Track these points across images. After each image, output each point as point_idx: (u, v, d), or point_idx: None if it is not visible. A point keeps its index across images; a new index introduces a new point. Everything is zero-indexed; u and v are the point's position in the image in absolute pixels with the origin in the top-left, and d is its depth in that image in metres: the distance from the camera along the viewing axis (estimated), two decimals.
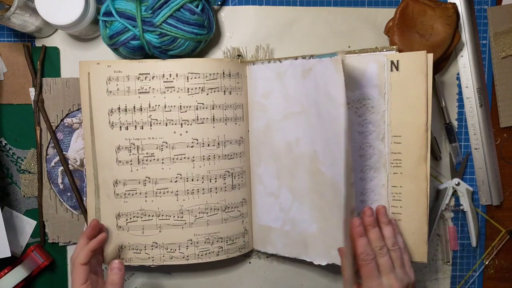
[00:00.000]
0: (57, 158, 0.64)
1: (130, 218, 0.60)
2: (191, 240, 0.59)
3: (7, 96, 0.64)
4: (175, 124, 0.58)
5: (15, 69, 0.64)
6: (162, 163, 0.59)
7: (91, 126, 0.60)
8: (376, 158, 0.57)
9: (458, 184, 0.66)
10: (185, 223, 0.59)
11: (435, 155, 0.66)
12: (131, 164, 0.59)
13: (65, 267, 0.67)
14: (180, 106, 0.58)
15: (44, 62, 0.64)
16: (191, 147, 0.58)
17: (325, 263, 0.58)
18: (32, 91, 0.64)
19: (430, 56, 0.54)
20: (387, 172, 0.57)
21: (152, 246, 0.60)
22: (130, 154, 0.59)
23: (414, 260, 0.57)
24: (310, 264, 0.60)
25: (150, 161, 0.59)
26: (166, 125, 0.58)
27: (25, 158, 0.65)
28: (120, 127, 0.59)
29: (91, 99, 0.59)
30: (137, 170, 0.59)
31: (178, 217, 0.59)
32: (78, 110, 0.64)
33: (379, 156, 0.57)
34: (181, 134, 0.58)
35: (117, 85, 0.58)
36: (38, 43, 0.64)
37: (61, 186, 0.65)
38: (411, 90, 0.55)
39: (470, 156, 0.67)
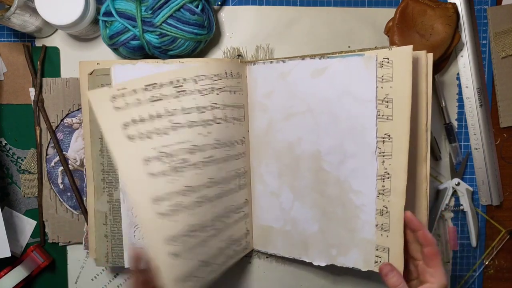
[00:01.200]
0: (57, 158, 0.64)
1: (181, 241, 0.51)
2: (222, 247, 0.57)
3: (7, 96, 0.64)
4: (198, 125, 0.54)
5: (15, 69, 0.64)
6: (197, 168, 0.53)
7: (100, 140, 0.60)
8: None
9: (458, 184, 0.66)
10: (217, 232, 0.56)
11: (435, 155, 0.66)
12: (166, 175, 0.51)
13: (65, 267, 0.67)
14: (198, 107, 0.55)
15: (44, 62, 0.64)
16: (215, 148, 0.56)
17: (324, 264, 0.58)
18: (32, 91, 0.64)
19: (430, 56, 0.53)
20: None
21: (200, 265, 0.54)
22: (163, 164, 0.51)
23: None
24: (310, 264, 0.60)
25: (185, 167, 0.52)
26: (190, 127, 0.54)
27: (25, 158, 0.65)
28: (141, 138, 0.51)
29: (94, 115, 0.54)
30: (175, 180, 0.51)
31: (212, 227, 0.55)
32: (78, 110, 0.64)
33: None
34: (205, 135, 0.55)
35: (124, 100, 0.52)
36: (38, 43, 0.64)
37: (61, 186, 0.65)
38: (407, 89, 0.52)
39: (470, 156, 0.67)
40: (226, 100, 0.58)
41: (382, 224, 0.53)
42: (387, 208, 0.52)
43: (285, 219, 0.61)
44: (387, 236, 0.53)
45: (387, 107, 0.51)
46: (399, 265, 0.51)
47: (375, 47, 0.56)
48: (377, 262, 0.54)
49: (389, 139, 0.52)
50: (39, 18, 0.57)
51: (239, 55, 0.64)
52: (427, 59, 0.53)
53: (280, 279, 0.68)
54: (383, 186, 0.53)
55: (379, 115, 0.52)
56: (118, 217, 0.61)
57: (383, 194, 0.53)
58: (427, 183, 0.55)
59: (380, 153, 0.53)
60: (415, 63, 0.52)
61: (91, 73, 0.59)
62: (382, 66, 0.51)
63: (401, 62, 0.50)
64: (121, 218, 0.61)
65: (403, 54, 0.50)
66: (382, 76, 0.51)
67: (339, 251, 0.57)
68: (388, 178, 0.52)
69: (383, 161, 0.52)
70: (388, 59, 0.51)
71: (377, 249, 0.54)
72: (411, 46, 0.49)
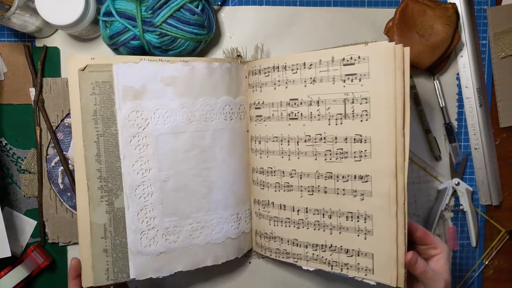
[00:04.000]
0: (57, 158, 0.64)
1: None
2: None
3: (7, 96, 0.64)
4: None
5: (15, 69, 0.64)
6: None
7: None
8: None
9: (458, 184, 0.66)
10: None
11: (435, 155, 0.66)
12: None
13: (65, 267, 0.67)
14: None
15: (44, 62, 0.64)
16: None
17: (312, 269, 0.57)
18: (32, 91, 0.64)
19: (407, 50, 0.48)
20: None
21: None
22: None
23: (381, 281, 0.51)
24: None
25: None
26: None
27: (25, 158, 0.65)
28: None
29: (88, 115, 0.54)
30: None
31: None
32: None
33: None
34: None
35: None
36: (38, 43, 0.64)
37: (61, 186, 0.65)
38: (382, 87, 0.49)
39: (470, 156, 0.67)
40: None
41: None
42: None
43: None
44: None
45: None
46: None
47: (366, 42, 0.54)
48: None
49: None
50: (39, 18, 0.57)
51: (238, 56, 0.64)
52: (404, 53, 0.48)
53: (281, 279, 0.68)
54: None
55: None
56: (120, 227, 0.55)
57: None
58: (405, 197, 0.49)
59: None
60: (388, 58, 0.48)
61: (83, 69, 0.53)
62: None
63: (377, 59, 0.48)
64: (125, 227, 0.55)
65: (380, 50, 0.48)
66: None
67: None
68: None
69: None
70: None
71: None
72: (387, 42, 0.48)
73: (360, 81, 0.50)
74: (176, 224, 0.57)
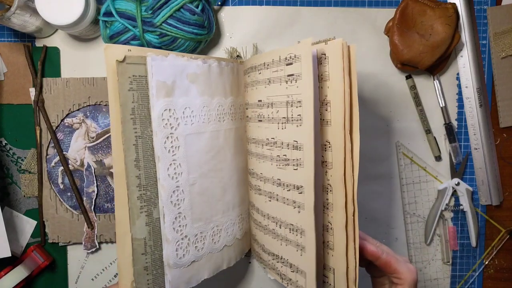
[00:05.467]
0: (57, 158, 0.64)
1: None
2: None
3: (7, 96, 0.64)
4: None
5: (15, 69, 0.64)
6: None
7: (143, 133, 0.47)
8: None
9: (458, 184, 0.66)
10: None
11: (435, 155, 0.66)
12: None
13: (65, 267, 0.67)
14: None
15: (44, 62, 0.64)
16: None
17: (273, 278, 0.55)
18: (32, 91, 0.64)
19: (353, 47, 0.43)
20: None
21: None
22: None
23: None
24: None
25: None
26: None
27: (25, 158, 0.65)
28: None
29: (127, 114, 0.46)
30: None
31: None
32: (78, 110, 0.64)
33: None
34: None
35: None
36: (38, 43, 0.64)
37: (61, 186, 0.65)
38: (340, 88, 0.43)
39: (470, 156, 0.67)
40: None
41: (328, 242, 0.47)
42: (331, 224, 0.46)
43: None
44: (332, 255, 0.47)
45: (326, 110, 0.45)
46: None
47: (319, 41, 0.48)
48: (325, 282, 0.48)
49: (329, 147, 0.45)
50: (39, 18, 0.57)
51: (238, 56, 0.64)
52: (350, 51, 0.43)
53: None
54: (327, 199, 0.46)
55: (321, 119, 0.46)
56: (158, 239, 0.49)
57: (327, 208, 0.46)
58: (355, 206, 0.44)
59: (323, 162, 0.46)
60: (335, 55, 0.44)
61: (122, 61, 0.45)
62: (320, 63, 0.45)
63: (334, 58, 0.43)
64: (162, 239, 0.49)
65: (335, 48, 0.43)
66: (321, 75, 0.45)
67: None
68: (330, 191, 0.46)
69: (326, 171, 0.46)
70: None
71: (324, 268, 0.49)
72: (341, 40, 0.42)
73: (296, 82, 0.45)
74: (202, 230, 0.53)
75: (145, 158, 0.47)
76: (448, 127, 0.65)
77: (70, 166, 0.65)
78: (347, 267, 0.44)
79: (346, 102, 0.43)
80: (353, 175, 0.43)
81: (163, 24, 0.56)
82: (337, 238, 0.45)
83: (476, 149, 0.66)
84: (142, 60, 0.46)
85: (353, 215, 0.43)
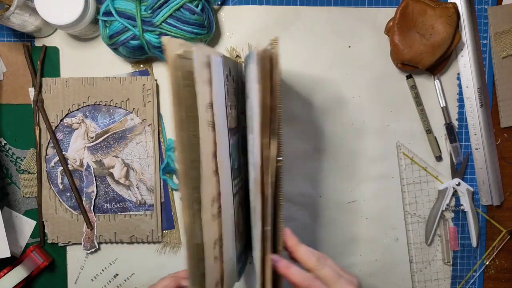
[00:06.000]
0: (57, 158, 0.64)
1: None
2: None
3: (7, 96, 0.64)
4: None
5: (14, 69, 0.64)
6: None
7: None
8: None
9: (458, 184, 0.66)
10: None
11: (436, 155, 0.66)
12: None
13: (65, 268, 0.67)
14: None
15: (44, 62, 0.64)
16: None
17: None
18: (31, 91, 0.63)
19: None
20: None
21: None
22: None
23: None
24: None
25: None
26: None
27: (24, 158, 0.65)
28: None
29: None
30: None
31: None
32: (78, 110, 0.64)
33: None
34: None
35: None
36: (38, 43, 0.64)
37: (61, 186, 0.65)
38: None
39: (471, 156, 0.67)
40: None
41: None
42: None
43: None
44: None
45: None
46: None
47: None
48: None
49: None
50: (39, 18, 0.57)
51: (237, 56, 0.64)
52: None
53: None
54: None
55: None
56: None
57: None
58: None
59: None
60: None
61: (180, 54, 0.38)
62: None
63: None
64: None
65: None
66: None
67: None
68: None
69: None
70: None
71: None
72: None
73: None
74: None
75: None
76: (449, 127, 0.65)
77: (69, 166, 0.64)
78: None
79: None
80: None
81: (162, 23, 0.56)
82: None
83: (477, 149, 0.66)
84: (190, 54, 0.39)
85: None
